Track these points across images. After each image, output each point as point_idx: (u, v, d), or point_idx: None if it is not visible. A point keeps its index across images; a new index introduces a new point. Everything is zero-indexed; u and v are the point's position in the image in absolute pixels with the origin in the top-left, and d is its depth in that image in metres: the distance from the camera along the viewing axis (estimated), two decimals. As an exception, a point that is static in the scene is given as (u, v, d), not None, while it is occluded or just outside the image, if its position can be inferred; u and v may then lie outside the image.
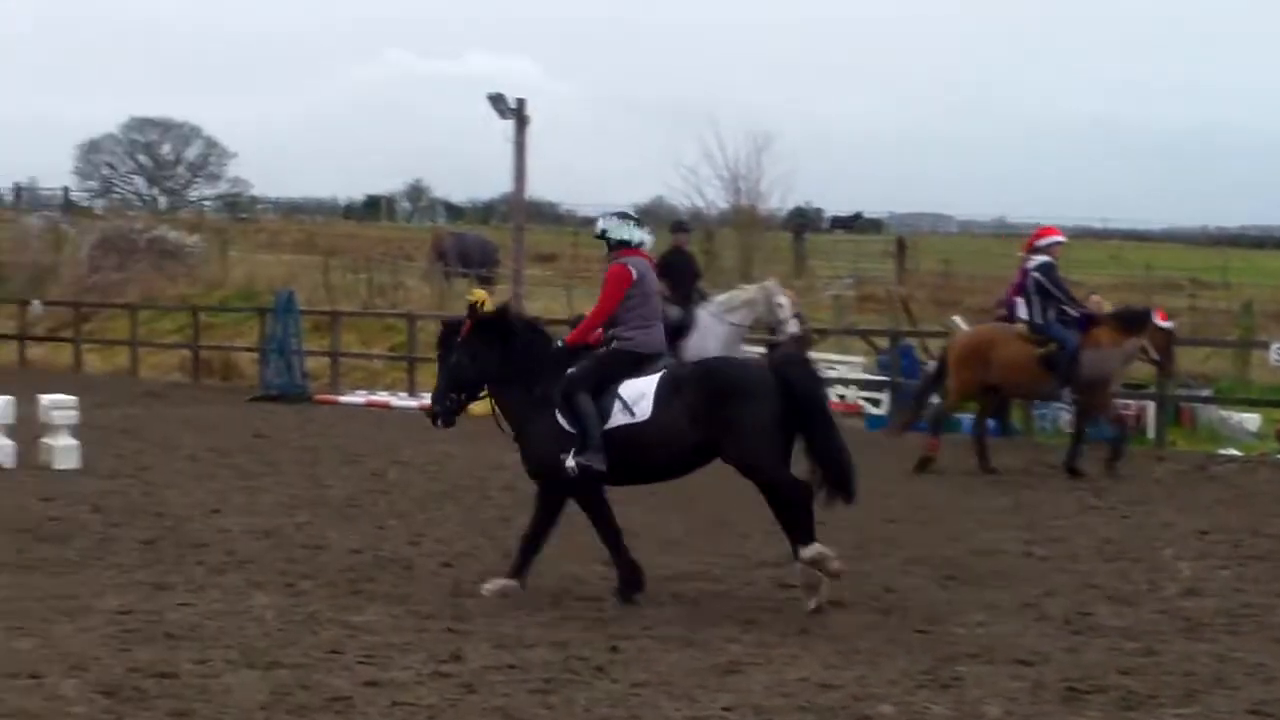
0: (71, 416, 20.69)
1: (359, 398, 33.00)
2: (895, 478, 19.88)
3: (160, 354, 41.24)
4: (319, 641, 11.02)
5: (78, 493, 18.19)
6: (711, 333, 24.21)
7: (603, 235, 13.40)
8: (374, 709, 9.38)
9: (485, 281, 41.17)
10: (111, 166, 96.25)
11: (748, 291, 25.25)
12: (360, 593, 12.84)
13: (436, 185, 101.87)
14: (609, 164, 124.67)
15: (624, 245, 13.31)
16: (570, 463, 12.78)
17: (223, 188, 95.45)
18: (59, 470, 20.07)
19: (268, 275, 45.73)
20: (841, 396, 27.60)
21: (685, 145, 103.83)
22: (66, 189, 70.78)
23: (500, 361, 13.24)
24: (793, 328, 24.77)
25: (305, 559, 14.39)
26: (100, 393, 32.47)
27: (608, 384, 12.91)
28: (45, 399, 20.86)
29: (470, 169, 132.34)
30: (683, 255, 25.46)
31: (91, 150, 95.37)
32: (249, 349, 39.08)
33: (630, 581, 12.87)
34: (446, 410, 13.47)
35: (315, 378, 35.37)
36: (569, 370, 12.99)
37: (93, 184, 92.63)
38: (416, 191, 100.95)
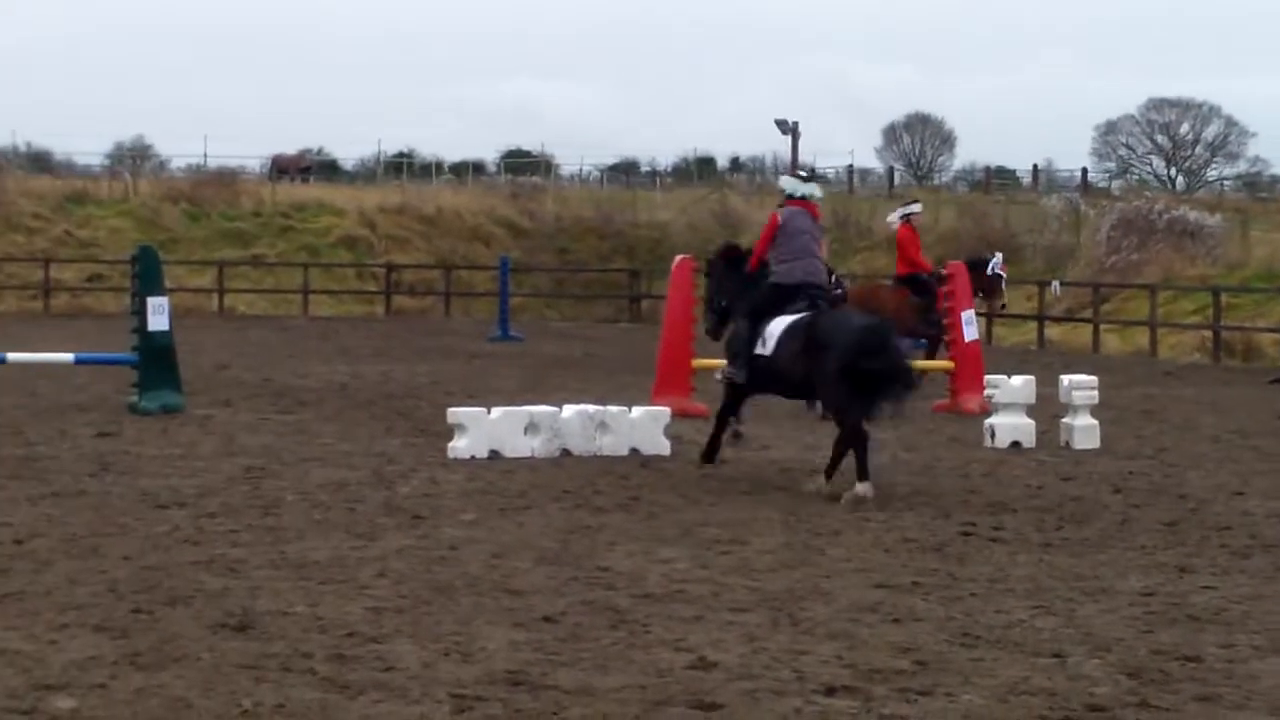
0: (1091, 397, 20.75)
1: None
2: None
3: (1179, 334, 40.92)
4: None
5: (1098, 473, 18.23)
6: None
7: (781, 190, 17.87)
8: None
9: None
10: (1129, 147, 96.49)
11: None
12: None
13: None
14: None
15: (790, 197, 17.35)
16: (718, 374, 17.85)
17: (1241, 167, 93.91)
18: (1079, 450, 20.19)
19: (1293, 256, 44.62)
20: None
21: None
22: (1084, 170, 71.42)
23: (731, 289, 17.58)
24: None
25: (1336, 545, 13.84)
26: (1118, 373, 32.59)
27: (765, 315, 16.63)
28: (1066, 379, 21.03)
29: None
30: None
31: (1109, 131, 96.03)
32: (1272, 330, 38.23)
33: (710, 453, 17.73)
34: (711, 326, 18.26)
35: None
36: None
37: (1110, 165, 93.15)
38: None
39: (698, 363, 24.33)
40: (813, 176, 18.04)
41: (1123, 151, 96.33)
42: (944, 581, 11.99)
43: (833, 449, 16.14)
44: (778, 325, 16.40)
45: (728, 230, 61.32)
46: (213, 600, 10.73)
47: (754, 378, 16.87)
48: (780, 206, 17.35)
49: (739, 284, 17.47)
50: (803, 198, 17.30)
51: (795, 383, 16.51)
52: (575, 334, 47.24)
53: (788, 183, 17.69)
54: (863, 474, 15.50)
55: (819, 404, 17.97)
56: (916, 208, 29.34)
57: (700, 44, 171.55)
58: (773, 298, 16.78)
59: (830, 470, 16.11)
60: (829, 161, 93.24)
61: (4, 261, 55.23)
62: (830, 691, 8.85)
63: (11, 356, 24.71)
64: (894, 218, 29.23)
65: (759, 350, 16.56)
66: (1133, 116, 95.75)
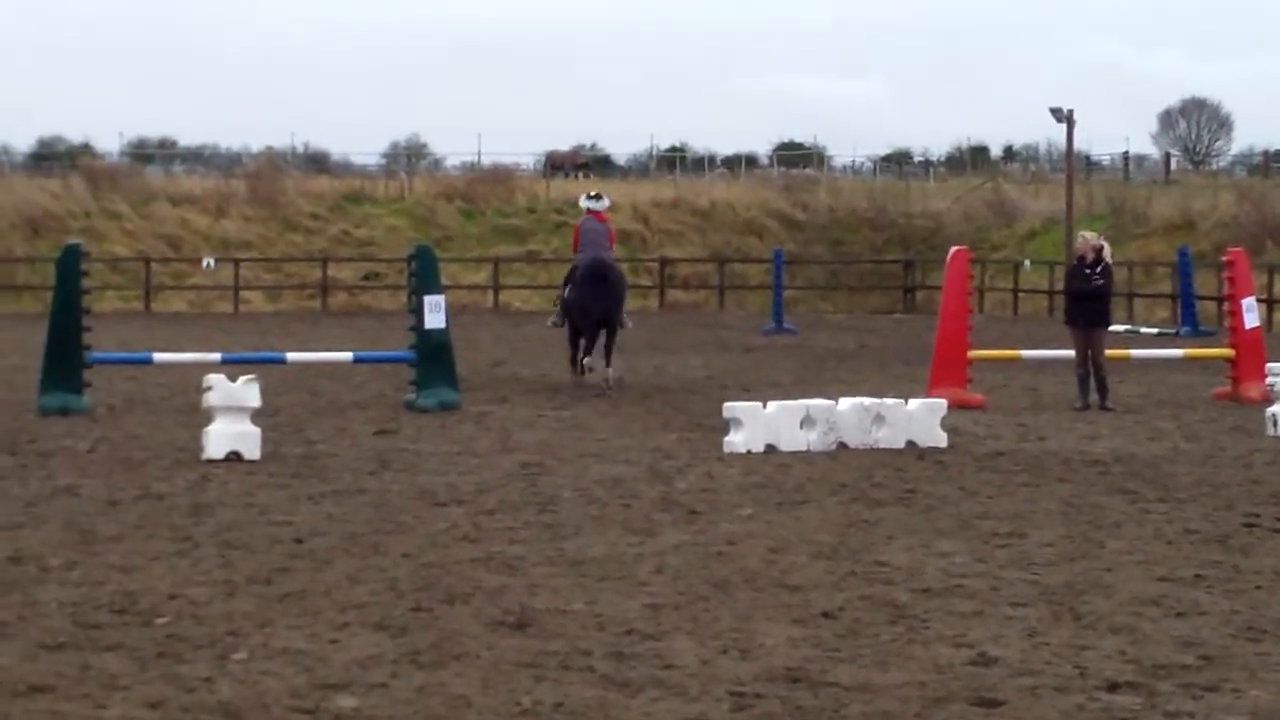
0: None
1: None
2: None
3: None
4: None
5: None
6: None
7: (577, 205, 28.16)
8: None
9: None
10: None
11: None
12: None
13: None
14: None
15: (588, 210, 26.49)
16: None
17: None
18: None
19: None
20: None
21: None
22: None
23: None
24: None
25: None
26: None
27: (569, 283, 26.31)
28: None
29: None
30: None
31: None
32: None
33: (578, 370, 26.38)
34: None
35: None
36: None
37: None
38: None
39: (974, 354, 24.05)
40: (599, 196, 26.82)
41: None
42: (1228, 574, 11.71)
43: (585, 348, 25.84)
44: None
45: (1003, 219, 60.70)
46: (491, 598, 10.82)
47: (569, 319, 26.23)
48: (581, 218, 26.80)
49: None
50: (593, 210, 26.33)
51: (584, 316, 25.64)
52: (849, 326, 47.05)
53: (583, 201, 26.95)
54: (587, 354, 25.94)
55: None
56: None
57: (969, 32, 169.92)
58: (573, 273, 26.17)
59: (584, 360, 25.79)
60: (1104, 148, 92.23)
61: (283, 261, 56.49)
62: (1113, 688, 8.67)
63: (291, 356, 25.25)
64: None
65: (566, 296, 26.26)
66: None
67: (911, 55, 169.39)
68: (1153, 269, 51.43)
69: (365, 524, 13.69)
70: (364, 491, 15.49)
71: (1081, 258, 23.62)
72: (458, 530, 13.42)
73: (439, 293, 23.29)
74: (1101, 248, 23.47)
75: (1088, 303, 23.32)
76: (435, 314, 22.98)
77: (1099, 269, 23.37)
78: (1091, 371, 23.22)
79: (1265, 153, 77.28)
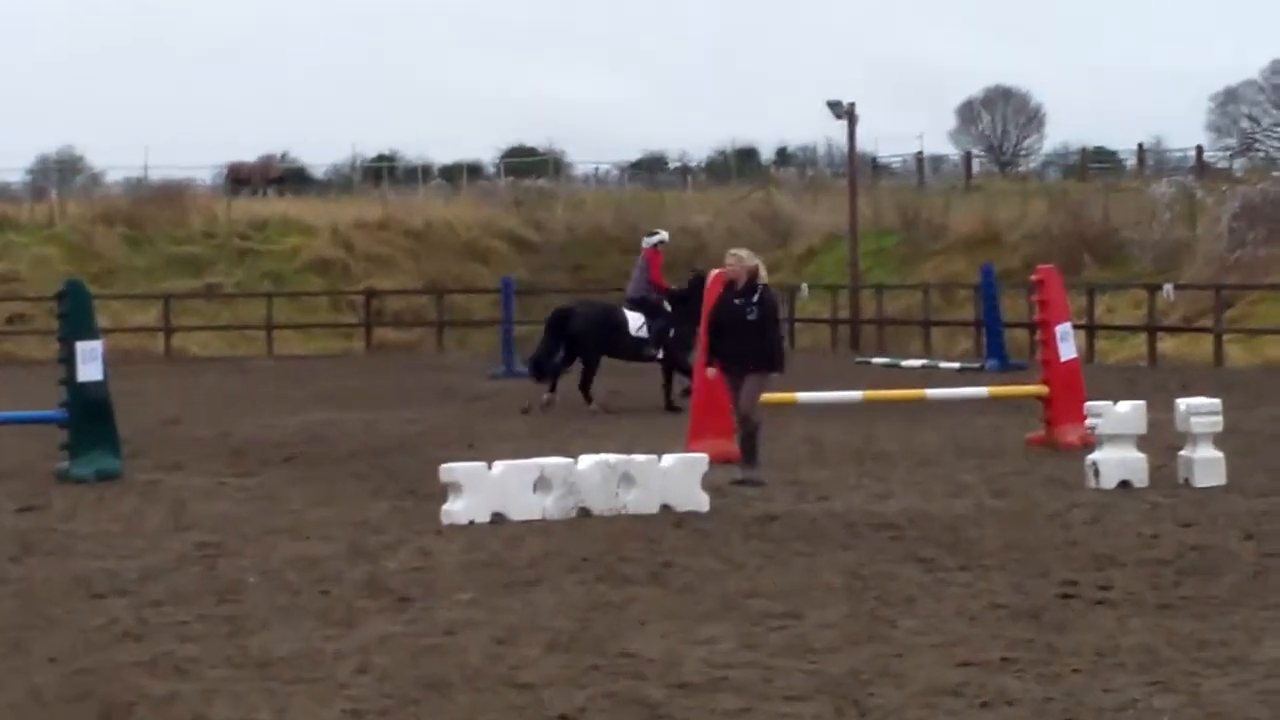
0: (1214, 423, 20.63)
1: None
2: None
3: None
4: None
5: (1224, 515, 18.12)
6: None
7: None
8: None
9: None
10: (1253, 120, 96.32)
11: None
12: None
13: None
14: None
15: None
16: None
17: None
18: (1201, 488, 20.08)
19: None
20: None
21: None
22: (1199, 149, 71.22)
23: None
24: None
25: None
26: (1246, 392, 32.47)
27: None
28: (1183, 403, 20.92)
29: None
30: None
31: (1228, 101, 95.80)
32: None
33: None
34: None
35: None
36: None
37: (1230, 141, 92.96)
38: None
39: (740, 398, 24.14)
40: (655, 233, 35.46)
41: (1244, 124, 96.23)
42: (1041, 655, 11.92)
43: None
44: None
45: (776, 235, 61.34)
46: (158, 709, 10.71)
47: None
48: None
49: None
50: (649, 246, 34.65)
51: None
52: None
53: (645, 239, 35.23)
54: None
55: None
56: None
57: (734, 17, 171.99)
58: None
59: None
60: (894, 148, 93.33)
61: (-91, 303, 55.48)
62: (905, 796, 8.79)
63: (-83, 418, 24.76)
64: None
65: None
66: (1255, 83, 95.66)
67: (665, 47, 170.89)
68: (952, 291, 52.34)
69: (6, 619, 13.48)
70: (4, 581, 15.26)
71: (731, 283, 21.94)
72: (118, 626, 13.26)
73: (95, 338, 23.00)
74: (757, 269, 22.03)
75: (739, 341, 21.65)
76: (91, 364, 22.70)
77: (754, 297, 21.68)
78: (737, 425, 22.05)
79: (1082, 151, 78.74)
